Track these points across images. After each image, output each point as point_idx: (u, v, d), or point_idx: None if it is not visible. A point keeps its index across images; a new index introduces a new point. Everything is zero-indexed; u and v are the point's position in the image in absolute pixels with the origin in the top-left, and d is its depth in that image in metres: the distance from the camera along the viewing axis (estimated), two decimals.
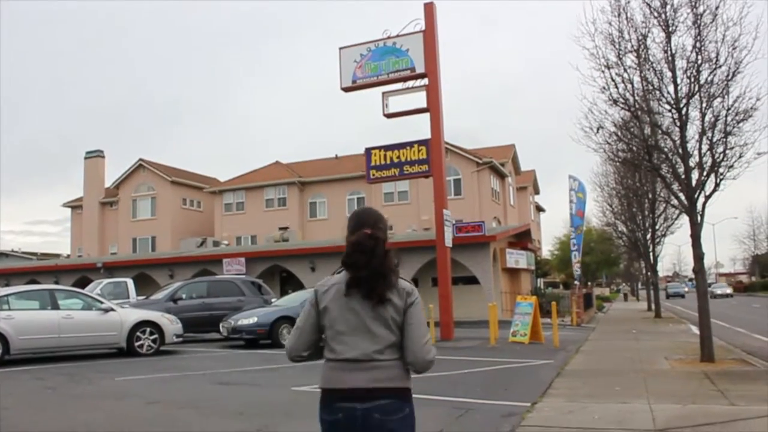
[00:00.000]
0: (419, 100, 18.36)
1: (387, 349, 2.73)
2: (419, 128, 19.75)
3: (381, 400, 2.68)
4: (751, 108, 11.25)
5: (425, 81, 18.34)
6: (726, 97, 11.38)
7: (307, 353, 2.87)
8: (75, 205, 53.82)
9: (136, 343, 14.52)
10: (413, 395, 2.86)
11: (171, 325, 15.26)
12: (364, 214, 2.95)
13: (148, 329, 14.76)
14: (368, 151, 19.38)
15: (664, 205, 26.86)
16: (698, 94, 11.54)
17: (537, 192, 61.28)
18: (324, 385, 2.75)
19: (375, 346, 2.71)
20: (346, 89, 19.38)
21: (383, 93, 18.78)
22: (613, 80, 12.20)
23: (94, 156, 50.94)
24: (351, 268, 2.77)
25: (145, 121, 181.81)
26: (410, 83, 18.62)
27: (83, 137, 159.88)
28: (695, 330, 17.00)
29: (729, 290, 64.35)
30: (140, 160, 48.97)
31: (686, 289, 74.74)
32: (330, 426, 2.71)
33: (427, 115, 18.40)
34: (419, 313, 2.79)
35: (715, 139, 11.53)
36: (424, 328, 2.79)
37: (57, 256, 58.26)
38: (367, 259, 2.73)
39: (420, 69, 18.29)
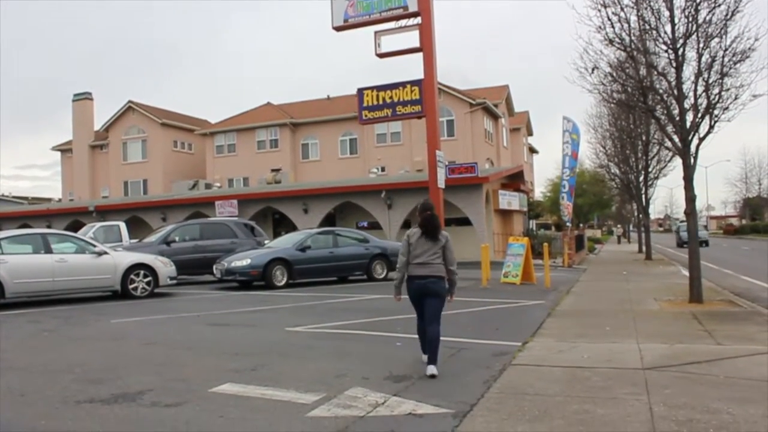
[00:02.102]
0: (412, 39, 17.99)
1: (437, 259, 6.47)
2: (412, 69, 19.45)
3: (432, 279, 6.44)
4: (749, 48, 11.09)
5: (418, 20, 17.93)
6: (724, 37, 11.20)
7: (406, 267, 6.63)
8: (65, 149, 53.31)
9: (131, 286, 14.60)
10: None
11: (165, 267, 15.32)
12: (427, 203, 6.82)
13: (142, 272, 14.82)
14: (360, 91, 19.11)
15: (657, 147, 26.85)
16: (696, 34, 11.35)
17: (530, 133, 61.01)
18: (410, 273, 6.54)
19: (432, 257, 6.45)
20: (338, 28, 18.95)
21: (375, 32, 18.37)
22: (609, 19, 11.97)
23: (83, 98, 50.12)
24: (423, 227, 6.52)
25: (134, 64, 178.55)
26: (403, 22, 18.20)
27: (70, 80, 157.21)
28: (684, 272, 17.21)
29: None
30: (129, 102, 48.28)
31: (708, 233, 49.34)
32: (410, 288, 6.54)
33: (419, 56, 18.08)
34: (450, 245, 6.56)
35: (711, 81, 11.40)
36: (453, 251, 6.58)
37: (48, 200, 58.08)
38: (429, 223, 6.51)
39: (413, 7, 17.85)
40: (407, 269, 6.59)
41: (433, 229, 6.49)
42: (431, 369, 6.23)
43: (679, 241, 47.76)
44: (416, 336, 7.01)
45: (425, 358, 6.52)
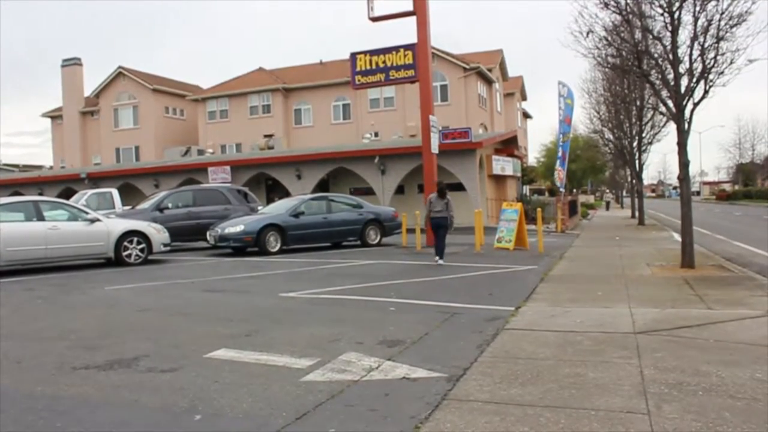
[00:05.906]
0: (405, 2, 17.78)
1: (444, 210, 13.86)
2: (406, 35, 19.23)
3: (442, 218, 13.86)
4: (746, 12, 10.96)
5: None
6: (720, 0, 11.08)
7: (429, 213, 14.18)
8: (55, 116, 52.75)
9: (124, 253, 14.60)
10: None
11: (158, 234, 15.30)
12: (440, 182, 14.79)
13: (135, 239, 14.80)
14: (353, 56, 18.92)
15: (651, 112, 26.76)
16: None
17: (524, 98, 60.69)
18: (431, 216, 13.98)
19: (442, 207, 13.86)
20: None
21: None
22: None
23: (72, 64, 49.46)
24: (438, 191, 14.03)
25: (123, 29, 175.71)
26: None
27: (57, 45, 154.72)
28: (677, 237, 17.31)
29: None
30: (120, 67, 47.67)
31: None
32: (431, 223, 14.14)
33: (413, 20, 17.88)
34: (450, 202, 14.04)
35: (706, 45, 11.30)
36: (452, 205, 14.07)
37: (40, 167, 57.70)
38: (439, 189, 14.06)
39: None
40: (430, 214, 13.80)
41: (442, 193, 13.74)
42: (439, 260, 13.41)
43: None
44: (409, 301, 8.58)
45: (440, 261, 13.40)
